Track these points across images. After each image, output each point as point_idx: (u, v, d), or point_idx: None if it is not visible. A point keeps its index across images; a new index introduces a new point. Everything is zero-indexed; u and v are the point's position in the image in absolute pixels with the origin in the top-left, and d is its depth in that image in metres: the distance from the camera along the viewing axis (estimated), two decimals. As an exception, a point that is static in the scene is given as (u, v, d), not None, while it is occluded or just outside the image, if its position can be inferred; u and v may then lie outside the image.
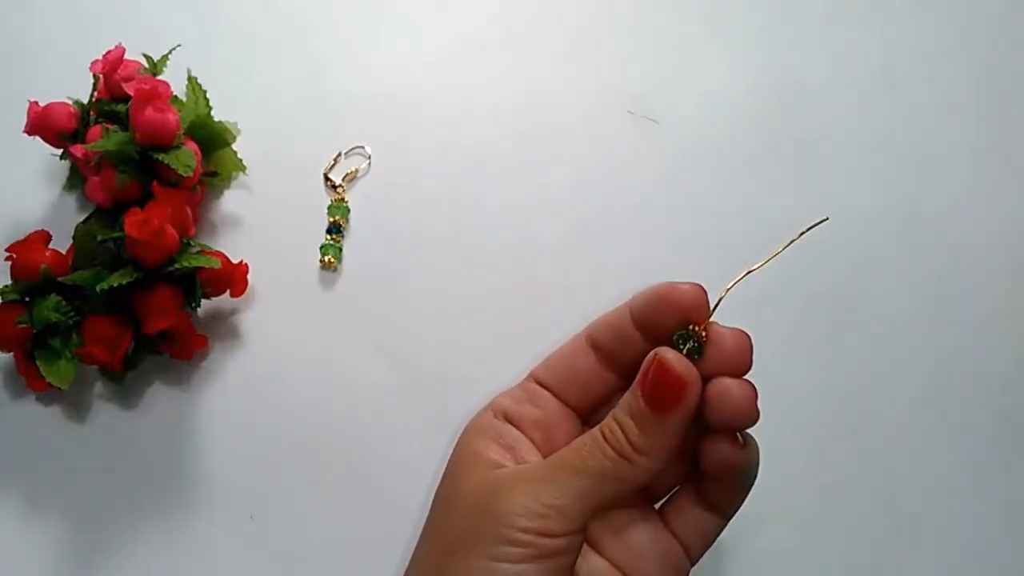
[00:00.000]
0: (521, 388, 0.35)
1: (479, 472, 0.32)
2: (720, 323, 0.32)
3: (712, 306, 0.31)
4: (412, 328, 0.46)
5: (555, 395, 0.34)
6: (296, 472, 0.43)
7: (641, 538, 0.32)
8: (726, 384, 0.30)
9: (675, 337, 0.31)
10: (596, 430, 0.31)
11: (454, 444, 0.35)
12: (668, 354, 0.30)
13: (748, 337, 0.31)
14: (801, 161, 0.49)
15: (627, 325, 0.33)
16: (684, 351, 0.30)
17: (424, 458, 0.42)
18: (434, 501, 0.34)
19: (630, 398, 0.31)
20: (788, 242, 0.32)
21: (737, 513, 0.33)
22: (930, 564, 0.43)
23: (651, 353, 0.31)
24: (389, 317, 0.46)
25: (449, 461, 0.34)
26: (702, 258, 0.47)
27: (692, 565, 0.33)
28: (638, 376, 0.31)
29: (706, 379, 0.31)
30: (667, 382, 0.30)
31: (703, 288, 0.31)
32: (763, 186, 0.49)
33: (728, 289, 0.31)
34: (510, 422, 0.34)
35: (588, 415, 0.35)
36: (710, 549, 0.33)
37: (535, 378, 0.35)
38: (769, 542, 0.42)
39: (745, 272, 0.32)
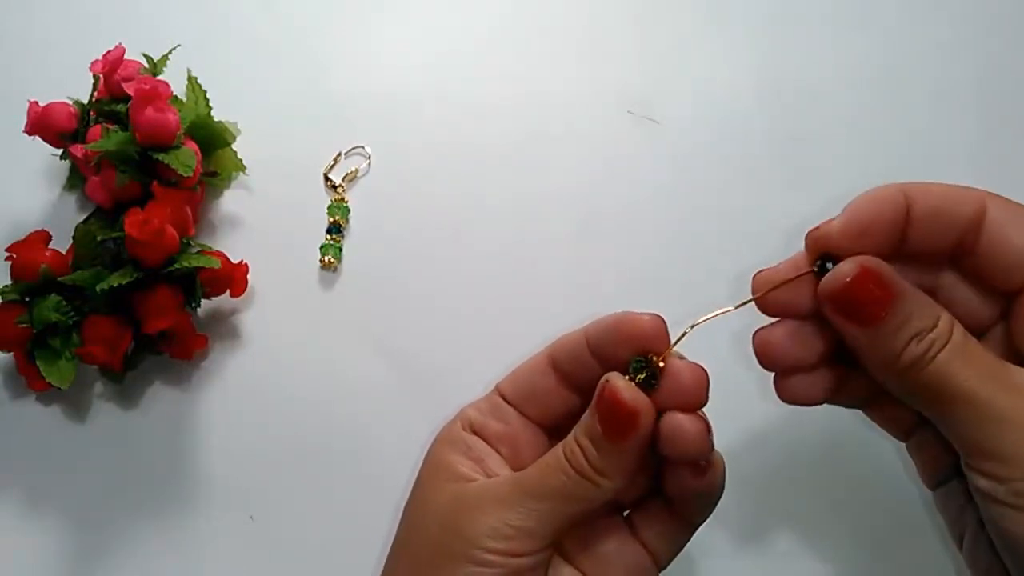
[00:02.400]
0: (487, 401, 0.34)
1: (447, 486, 0.32)
2: (681, 354, 0.31)
3: (674, 340, 0.31)
4: (412, 328, 0.46)
5: (518, 410, 0.34)
6: (296, 472, 0.43)
7: (608, 547, 0.32)
8: (678, 420, 0.30)
9: (631, 365, 0.30)
10: (559, 450, 0.31)
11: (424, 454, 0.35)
12: (618, 382, 0.30)
13: (705, 372, 0.30)
14: (801, 161, 0.49)
15: (584, 352, 0.32)
16: (636, 381, 0.30)
17: (423, 457, 0.42)
18: (403, 514, 0.34)
19: (588, 420, 0.30)
20: (747, 300, 0.32)
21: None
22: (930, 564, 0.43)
23: (603, 379, 0.30)
24: (389, 317, 0.46)
25: (419, 472, 0.34)
26: (702, 258, 0.47)
27: (660, 571, 0.33)
28: (593, 399, 0.30)
29: (660, 411, 0.30)
30: (618, 411, 0.29)
31: (662, 319, 0.31)
32: (763, 186, 0.49)
33: (693, 326, 0.31)
34: (477, 434, 0.34)
35: (552, 430, 0.34)
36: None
37: (500, 392, 0.34)
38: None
39: (715, 313, 0.31)
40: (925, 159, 0.50)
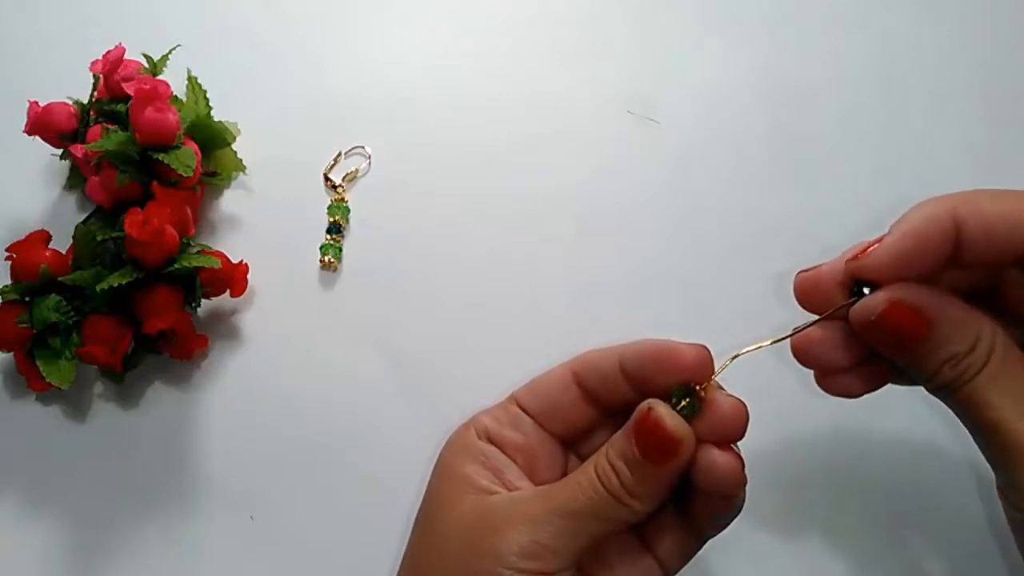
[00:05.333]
0: (504, 410, 0.34)
1: (467, 498, 0.32)
2: (720, 384, 0.31)
3: (717, 369, 0.30)
4: (412, 328, 0.46)
5: (537, 422, 0.34)
6: (296, 472, 0.43)
7: (620, 559, 0.32)
8: (715, 456, 0.30)
9: (673, 394, 0.30)
10: (590, 469, 0.31)
11: (435, 461, 0.34)
12: (661, 409, 0.29)
13: (745, 408, 0.30)
14: (801, 161, 0.49)
15: (615, 373, 0.32)
16: (678, 409, 0.30)
17: (424, 457, 0.42)
18: (418, 522, 0.33)
19: (623, 442, 0.30)
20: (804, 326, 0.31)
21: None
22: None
23: (644, 404, 0.30)
24: (389, 317, 0.46)
25: (432, 479, 0.34)
26: (702, 258, 0.47)
27: None
28: (630, 423, 0.30)
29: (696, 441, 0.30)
30: (660, 437, 0.29)
31: (707, 351, 0.30)
32: (763, 186, 0.49)
33: (735, 357, 0.31)
34: (493, 443, 0.33)
35: (570, 444, 0.34)
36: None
37: (518, 403, 0.34)
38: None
39: (756, 346, 0.31)
40: (925, 159, 0.50)
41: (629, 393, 0.32)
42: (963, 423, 0.29)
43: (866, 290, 0.29)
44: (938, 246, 0.28)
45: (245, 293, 0.44)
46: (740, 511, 0.32)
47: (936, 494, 0.43)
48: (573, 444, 0.34)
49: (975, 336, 0.28)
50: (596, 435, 0.34)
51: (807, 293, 0.31)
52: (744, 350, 0.31)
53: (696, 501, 0.32)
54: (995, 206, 0.28)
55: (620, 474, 0.30)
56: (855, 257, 0.29)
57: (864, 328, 0.29)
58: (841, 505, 0.43)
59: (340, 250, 0.47)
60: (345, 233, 0.47)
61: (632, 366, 0.31)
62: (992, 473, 0.29)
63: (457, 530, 0.31)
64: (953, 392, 0.28)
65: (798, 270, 0.31)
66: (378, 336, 0.46)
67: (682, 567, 0.33)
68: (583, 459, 0.34)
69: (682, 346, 0.30)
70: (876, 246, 0.29)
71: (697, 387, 0.30)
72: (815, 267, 0.31)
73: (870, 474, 0.43)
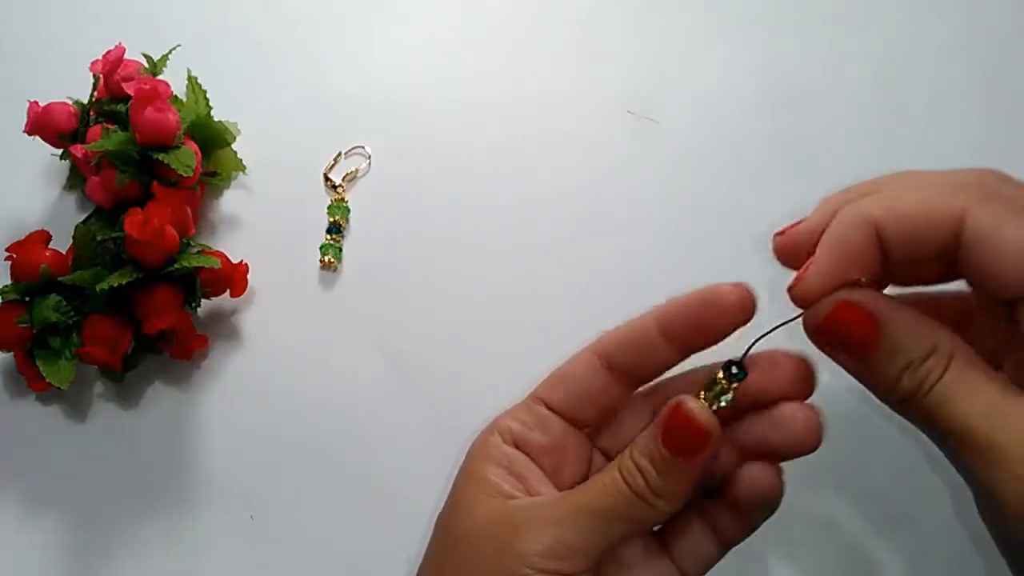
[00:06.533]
0: (529, 411, 0.33)
1: (491, 501, 0.31)
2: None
3: (745, 349, 0.30)
4: (412, 328, 0.46)
5: (563, 417, 0.33)
6: (296, 472, 0.43)
7: (640, 565, 0.32)
8: (791, 410, 0.30)
9: (720, 375, 0.30)
10: (615, 470, 0.30)
11: (459, 465, 0.34)
12: (691, 403, 0.29)
13: (807, 362, 0.30)
14: (801, 161, 0.49)
15: (654, 340, 0.31)
16: (729, 380, 0.30)
17: (424, 457, 0.43)
18: (439, 525, 0.33)
19: (649, 441, 0.30)
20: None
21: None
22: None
23: (673, 400, 0.30)
24: (389, 317, 0.46)
25: (455, 483, 0.33)
26: (702, 258, 0.47)
27: None
28: (657, 420, 0.30)
29: (765, 405, 0.30)
30: (691, 431, 0.29)
31: (746, 287, 0.30)
32: (763, 186, 0.49)
33: (764, 335, 0.30)
34: (518, 447, 0.33)
35: (596, 433, 0.34)
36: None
37: (543, 401, 0.33)
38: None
39: (781, 323, 0.30)
40: (925, 159, 0.49)
41: (672, 357, 0.31)
42: (931, 438, 0.28)
43: None
44: (866, 256, 0.28)
45: (245, 293, 0.44)
46: (773, 511, 0.32)
47: (936, 493, 0.43)
48: (601, 432, 0.34)
49: (931, 343, 0.27)
50: (624, 422, 0.34)
51: (787, 253, 0.31)
52: (767, 330, 0.30)
53: (745, 478, 0.31)
54: (909, 203, 0.28)
55: (645, 473, 0.30)
56: (792, 286, 0.29)
57: (816, 332, 0.29)
58: (840, 504, 0.43)
59: (340, 250, 0.47)
60: (345, 233, 0.47)
61: (674, 325, 0.31)
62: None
63: (479, 532, 0.31)
64: (916, 404, 0.27)
65: (775, 232, 0.31)
66: (378, 336, 0.46)
67: (704, 574, 0.33)
68: (608, 454, 0.34)
69: (721, 288, 0.30)
70: (807, 272, 0.28)
71: (732, 372, 0.30)
72: (792, 226, 0.31)
73: (869, 473, 0.43)
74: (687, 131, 0.50)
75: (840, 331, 0.28)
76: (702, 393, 0.30)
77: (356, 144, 0.49)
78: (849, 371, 0.29)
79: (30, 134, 0.44)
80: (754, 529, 0.32)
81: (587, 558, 0.29)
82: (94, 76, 0.45)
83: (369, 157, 0.49)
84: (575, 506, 0.30)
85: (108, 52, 0.45)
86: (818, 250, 0.29)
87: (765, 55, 0.52)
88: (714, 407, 0.30)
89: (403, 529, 0.41)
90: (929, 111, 0.51)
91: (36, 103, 0.44)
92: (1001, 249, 0.26)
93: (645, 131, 0.50)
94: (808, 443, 0.30)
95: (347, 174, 0.48)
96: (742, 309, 0.30)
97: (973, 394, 0.27)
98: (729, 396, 0.30)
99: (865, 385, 0.29)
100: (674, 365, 0.32)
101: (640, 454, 0.30)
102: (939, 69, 0.51)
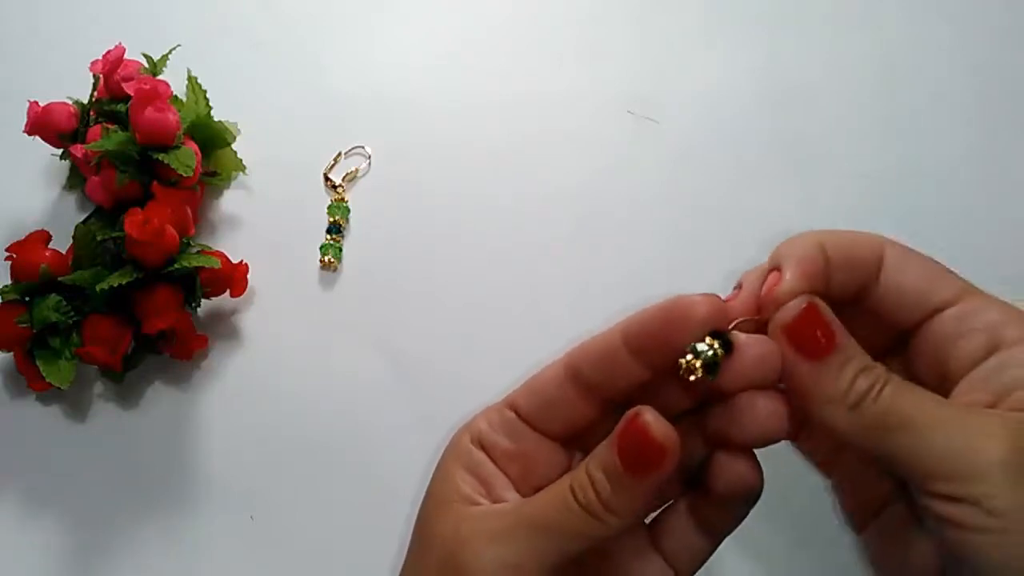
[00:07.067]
0: (498, 413, 0.32)
1: (451, 508, 0.31)
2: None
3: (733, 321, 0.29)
4: (412, 328, 0.46)
5: (533, 426, 0.32)
6: (296, 472, 0.43)
7: (629, 561, 0.31)
8: (754, 399, 0.29)
9: (689, 350, 0.28)
10: (565, 483, 0.29)
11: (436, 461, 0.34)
12: (648, 415, 0.28)
13: (774, 346, 0.29)
14: (801, 161, 0.49)
15: (620, 356, 0.29)
16: (707, 355, 0.28)
17: (424, 458, 0.42)
18: (413, 533, 0.33)
19: (605, 453, 0.28)
20: None
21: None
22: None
23: (631, 411, 0.28)
24: (389, 317, 0.46)
25: (431, 480, 0.33)
26: (702, 258, 0.47)
27: None
28: (615, 431, 0.28)
29: (728, 394, 0.29)
30: (645, 445, 0.28)
31: (718, 297, 0.29)
32: (763, 186, 0.49)
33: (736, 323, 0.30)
34: (484, 450, 0.32)
35: (571, 443, 0.32)
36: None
37: (512, 406, 0.32)
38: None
39: (741, 320, 0.30)
40: (925, 159, 0.50)
41: (640, 374, 0.29)
42: (875, 445, 0.28)
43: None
44: (822, 272, 0.30)
45: (245, 293, 0.44)
46: (757, 500, 0.31)
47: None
48: (575, 443, 0.32)
49: (869, 354, 0.29)
50: (599, 432, 0.31)
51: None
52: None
53: (719, 470, 0.30)
54: (848, 235, 0.31)
55: (598, 485, 0.28)
56: (765, 295, 0.30)
57: (785, 330, 0.29)
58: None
59: (340, 250, 0.47)
60: (345, 233, 0.47)
61: (639, 340, 0.29)
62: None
63: (437, 545, 0.30)
64: (869, 404, 0.28)
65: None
66: (378, 336, 0.46)
67: (695, 572, 0.32)
68: None
69: (691, 299, 0.28)
70: (781, 281, 0.30)
71: (713, 341, 0.28)
72: (733, 295, 0.32)
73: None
74: (687, 131, 0.50)
75: (809, 330, 0.29)
76: (688, 356, 0.28)
77: (356, 144, 0.49)
78: (798, 382, 0.29)
79: (30, 134, 0.44)
80: (740, 520, 0.31)
81: (533, 574, 0.28)
82: (94, 76, 0.45)
83: (369, 157, 0.49)
84: (520, 520, 0.29)
85: (108, 52, 0.45)
86: (783, 265, 0.30)
87: (765, 55, 0.52)
88: (698, 371, 0.28)
89: (403, 529, 0.41)
90: (929, 111, 0.51)
91: (36, 103, 0.44)
92: (911, 270, 0.31)
93: (645, 131, 0.50)
94: (772, 431, 0.29)
95: (347, 174, 0.48)
96: (714, 319, 0.28)
97: (919, 392, 0.29)
98: (725, 340, 0.28)
99: (809, 399, 0.29)
100: (647, 382, 0.30)
101: (595, 466, 0.29)
102: (939, 69, 0.52)
